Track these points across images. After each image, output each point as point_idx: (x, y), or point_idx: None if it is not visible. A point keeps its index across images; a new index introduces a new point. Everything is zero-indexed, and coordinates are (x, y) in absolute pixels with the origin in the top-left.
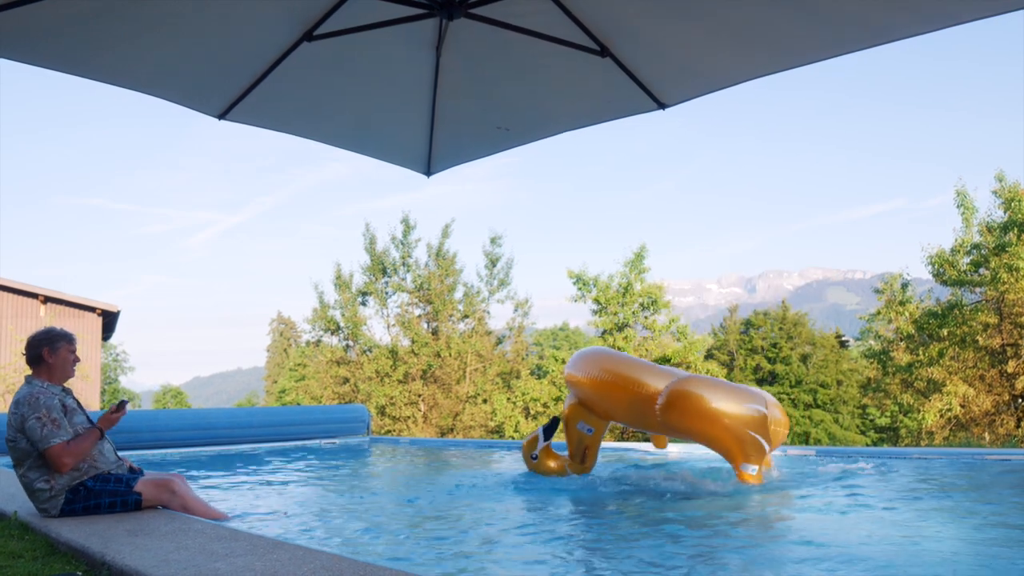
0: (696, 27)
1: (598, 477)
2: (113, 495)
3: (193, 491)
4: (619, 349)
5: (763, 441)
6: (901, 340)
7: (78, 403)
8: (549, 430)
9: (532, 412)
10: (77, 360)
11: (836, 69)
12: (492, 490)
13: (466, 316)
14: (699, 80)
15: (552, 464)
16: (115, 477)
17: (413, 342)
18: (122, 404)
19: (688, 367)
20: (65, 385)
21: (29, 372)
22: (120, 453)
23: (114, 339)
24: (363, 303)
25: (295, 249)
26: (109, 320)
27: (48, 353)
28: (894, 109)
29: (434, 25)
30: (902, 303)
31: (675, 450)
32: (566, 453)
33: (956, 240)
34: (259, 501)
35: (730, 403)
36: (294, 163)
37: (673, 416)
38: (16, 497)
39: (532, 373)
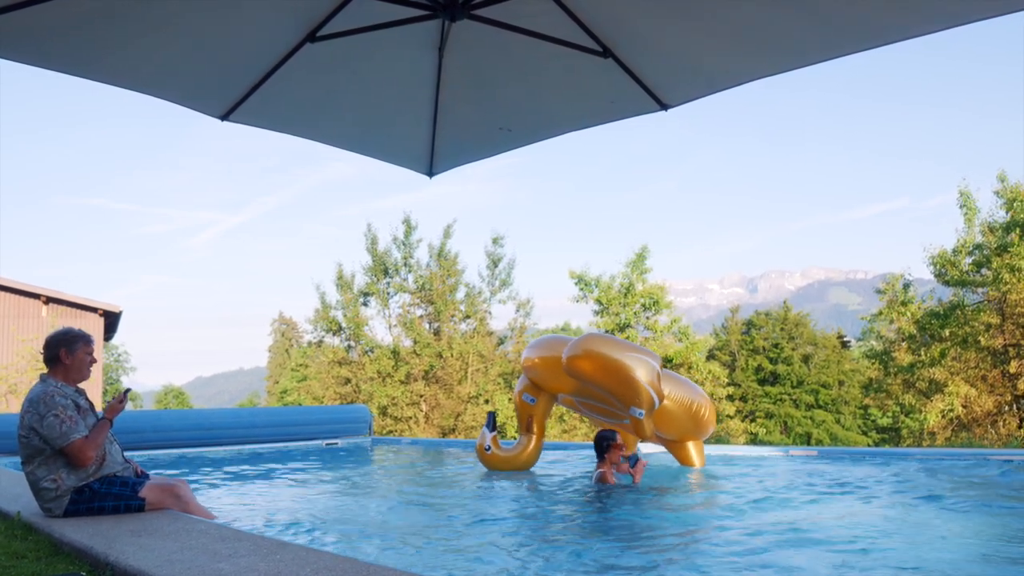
0: (698, 28)
1: (586, 485)
2: (117, 498)
3: (196, 498)
4: None
5: (652, 392)
6: (903, 340)
7: (90, 404)
8: (491, 423)
9: None
10: (94, 361)
11: (838, 68)
12: (492, 490)
13: (468, 316)
14: (701, 81)
15: (503, 454)
16: (120, 480)
17: (415, 342)
18: (125, 393)
19: (690, 368)
20: (79, 386)
21: (36, 371)
22: (125, 454)
23: (116, 339)
24: (365, 304)
25: (297, 249)
26: (111, 320)
27: (65, 354)
28: (896, 108)
29: (437, 26)
30: (904, 303)
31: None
32: (511, 446)
33: (958, 240)
34: (262, 502)
35: (626, 355)
36: (296, 163)
37: (575, 364)
38: (20, 497)
39: None
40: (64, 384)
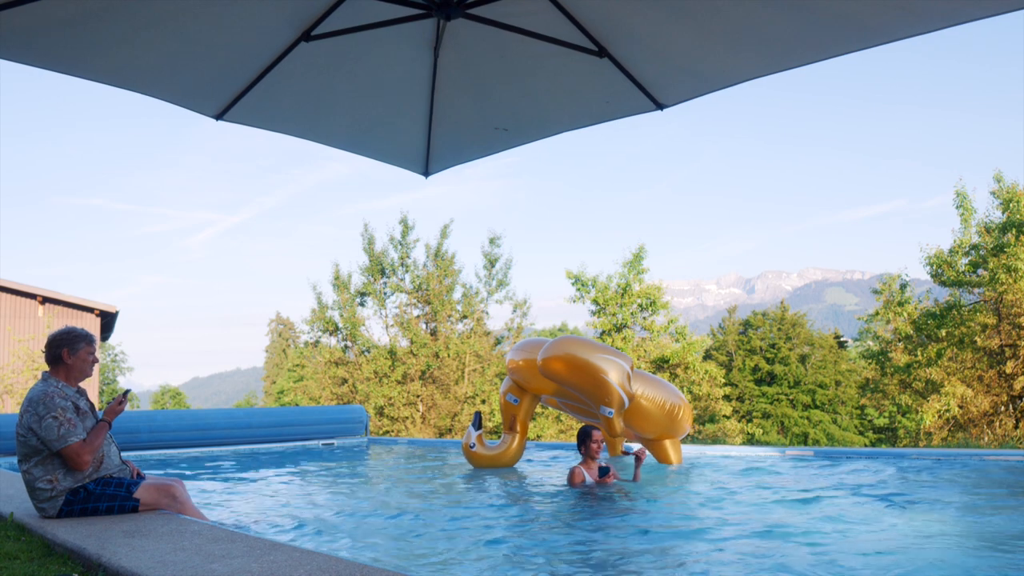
0: (694, 28)
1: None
2: (112, 499)
3: (191, 500)
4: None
5: (622, 392)
6: (899, 341)
7: (90, 406)
8: (476, 423)
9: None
10: (96, 362)
11: (835, 68)
12: (487, 490)
13: (465, 317)
14: (697, 80)
15: (487, 452)
16: (116, 481)
17: (412, 343)
18: (125, 394)
19: (687, 368)
20: (80, 386)
21: (32, 371)
22: (123, 455)
23: (112, 339)
24: (361, 304)
25: (294, 249)
26: (107, 320)
27: (67, 354)
28: (893, 109)
29: (432, 25)
30: (900, 304)
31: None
32: (495, 445)
33: (955, 241)
34: (257, 502)
35: (597, 356)
36: (293, 163)
37: (549, 365)
38: (13, 499)
39: None
40: (65, 385)
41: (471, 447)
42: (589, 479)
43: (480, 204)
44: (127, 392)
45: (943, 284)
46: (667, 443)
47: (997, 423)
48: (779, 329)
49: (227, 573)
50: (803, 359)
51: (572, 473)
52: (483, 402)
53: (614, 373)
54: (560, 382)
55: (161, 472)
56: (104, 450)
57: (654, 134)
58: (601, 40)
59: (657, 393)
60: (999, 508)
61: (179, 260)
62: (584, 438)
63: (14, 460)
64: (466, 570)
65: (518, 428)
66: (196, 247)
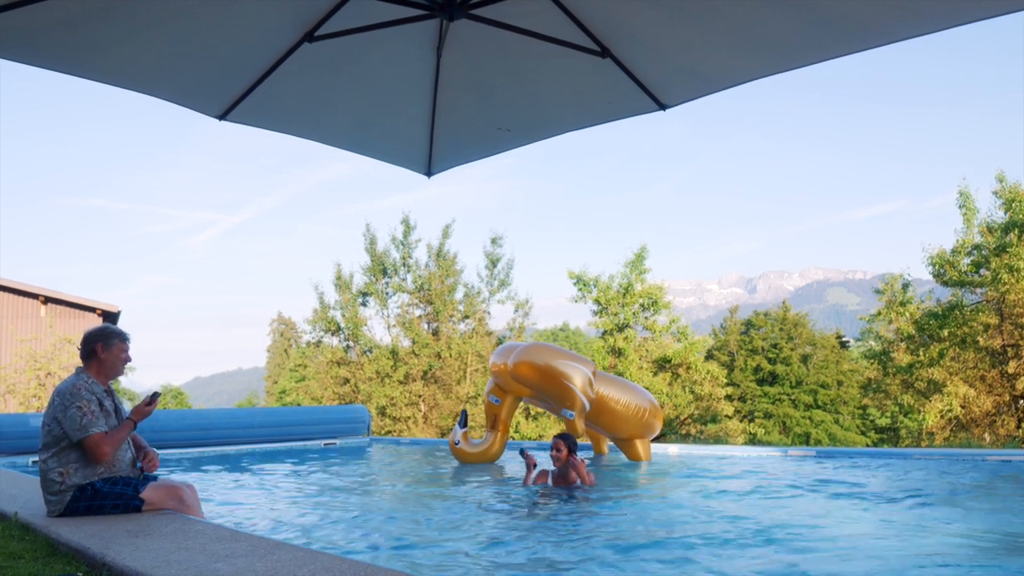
0: (696, 28)
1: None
2: (119, 497)
3: (198, 506)
4: (620, 350)
5: (582, 396)
6: (901, 341)
7: (115, 407)
8: (463, 421)
9: (532, 413)
10: (128, 360)
11: (837, 68)
12: (487, 491)
13: (467, 317)
14: (700, 81)
15: (471, 449)
16: (123, 480)
17: (414, 343)
18: (155, 396)
19: (688, 368)
20: (110, 384)
21: (34, 371)
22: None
23: None
24: (363, 304)
25: (296, 249)
26: (110, 321)
27: (101, 348)
28: (896, 109)
29: (435, 26)
30: (903, 304)
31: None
32: (479, 442)
33: (957, 241)
34: (260, 502)
35: (561, 362)
36: (295, 163)
37: (517, 369)
38: (17, 498)
39: None
40: (95, 381)
41: (456, 444)
42: (549, 482)
43: (482, 204)
44: (156, 394)
45: (945, 284)
46: (637, 442)
47: (999, 423)
48: (781, 329)
49: (231, 572)
50: (805, 359)
51: (527, 476)
52: None
53: (577, 378)
54: (528, 385)
55: (166, 473)
56: (119, 454)
57: (655, 134)
58: (604, 40)
59: (624, 396)
60: (1000, 508)
61: (181, 260)
62: (551, 446)
63: (16, 459)
64: (465, 569)
65: (500, 427)
66: (198, 247)
